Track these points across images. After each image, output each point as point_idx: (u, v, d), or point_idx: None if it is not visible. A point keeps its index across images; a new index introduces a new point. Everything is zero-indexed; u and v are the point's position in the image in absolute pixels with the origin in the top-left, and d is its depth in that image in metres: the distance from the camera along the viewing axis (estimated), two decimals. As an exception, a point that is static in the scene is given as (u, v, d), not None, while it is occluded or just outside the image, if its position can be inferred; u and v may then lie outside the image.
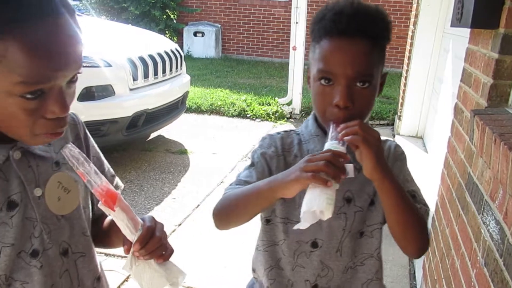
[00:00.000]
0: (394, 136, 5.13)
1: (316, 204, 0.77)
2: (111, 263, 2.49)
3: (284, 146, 1.02)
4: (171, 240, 2.94)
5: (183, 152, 4.36)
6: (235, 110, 5.80)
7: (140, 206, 3.19)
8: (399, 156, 1.02)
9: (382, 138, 1.00)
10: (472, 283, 1.37)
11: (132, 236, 0.83)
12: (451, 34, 4.05)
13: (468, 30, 1.83)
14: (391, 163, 0.98)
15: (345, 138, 0.81)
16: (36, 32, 0.65)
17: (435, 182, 2.14)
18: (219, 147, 4.56)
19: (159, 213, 3.10)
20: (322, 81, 0.89)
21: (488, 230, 1.27)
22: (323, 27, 0.89)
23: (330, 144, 0.84)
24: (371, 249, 1.01)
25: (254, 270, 1.13)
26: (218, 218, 0.99)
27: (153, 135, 4.78)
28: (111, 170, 1.06)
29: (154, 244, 0.85)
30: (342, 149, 0.82)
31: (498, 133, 1.21)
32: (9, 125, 0.72)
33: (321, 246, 0.99)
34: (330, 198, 0.77)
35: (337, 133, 0.84)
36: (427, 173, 3.91)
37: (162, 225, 0.91)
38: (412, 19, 5.16)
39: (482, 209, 1.36)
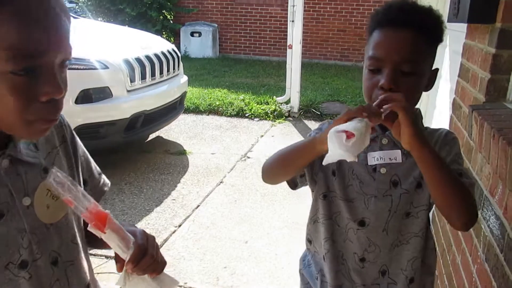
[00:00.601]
0: (393, 133, 5.13)
1: (344, 126, 0.81)
2: (112, 265, 2.49)
3: None
4: (171, 241, 2.93)
5: (182, 153, 4.36)
6: (233, 109, 5.79)
7: (140, 208, 3.18)
8: (450, 141, 1.05)
9: (436, 128, 1.11)
10: (474, 279, 1.37)
11: (124, 255, 0.82)
12: (448, 30, 4.03)
13: (465, 25, 1.83)
14: (439, 147, 1.03)
15: (385, 106, 0.86)
16: (27, 2, 0.64)
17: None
18: (218, 147, 4.55)
19: (158, 214, 3.10)
20: (371, 67, 0.98)
21: (488, 226, 1.27)
22: (375, 20, 1.00)
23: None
24: (417, 229, 1.06)
25: (310, 242, 1.20)
26: (266, 172, 1.11)
27: (151, 136, 4.77)
28: (98, 168, 1.04)
29: (146, 262, 0.84)
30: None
31: (497, 128, 1.21)
32: (0, 115, 0.69)
33: (368, 224, 1.06)
34: (358, 129, 0.81)
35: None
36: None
37: (153, 239, 0.91)
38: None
39: (482, 205, 1.36)
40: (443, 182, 0.89)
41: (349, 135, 0.80)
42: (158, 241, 2.75)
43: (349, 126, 0.82)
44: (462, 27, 1.92)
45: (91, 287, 0.94)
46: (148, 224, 2.96)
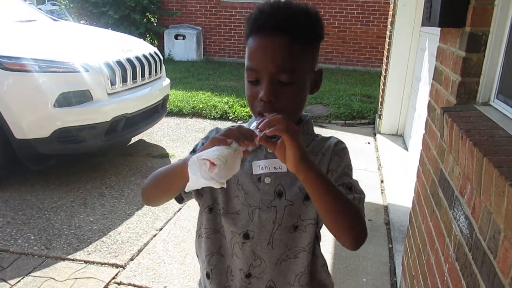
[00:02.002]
0: (375, 135, 5.19)
1: (206, 154, 0.74)
2: (91, 270, 2.46)
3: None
4: (152, 245, 2.91)
5: (164, 156, 4.33)
6: (217, 112, 5.79)
7: (121, 212, 3.15)
8: (339, 151, 1.02)
9: (327, 135, 1.09)
10: (445, 278, 1.39)
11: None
12: (427, 33, 4.11)
13: (439, 29, 1.87)
14: (330, 157, 1.00)
15: (267, 130, 0.79)
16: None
17: (414, 179, 2.17)
18: (201, 150, 4.53)
19: (139, 218, 3.07)
20: (250, 79, 0.93)
21: (458, 225, 1.30)
22: (248, 26, 0.94)
23: (250, 128, 0.84)
24: (304, 243, 1.02)
25: (198, 257, 1.15)
26: (143, 194, 1.04)
27: (134, 139, 4.74)
28: None
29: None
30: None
31: (465, 129, 1.24)
32: None
33: (252, 237, 1.01)
34: (222, 156, 0.74)
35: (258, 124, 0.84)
36: (407, 171, 3.95)
37: None
38: (390, 19, 5.23)
39: (453, 205, 1.38)
40: (330, 204, 0.84)
41: (212, 162, 0.74)
42: (139, 245, 2.74)
43: (211, 153, 0.75)
44: (438, 31, 1.96)
45: None
46: (129, 228, 2.94)
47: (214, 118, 5.71)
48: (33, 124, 3.29)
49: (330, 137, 1.07)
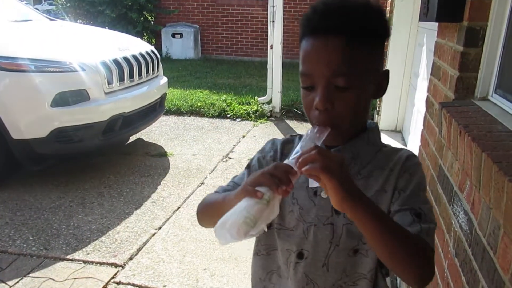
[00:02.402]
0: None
1: (232, 220, 0.69)
2: (90, 270, 2.46)
3: (283, 150, 0.99)
4: (150, 244, 2.90)
5: (163, 154, 4.32)
6: (215, 110, 5.77)
7: (119, 211, 3.14)
8: (410, 167, 0.88)
9: (397, 147, 0.94)
10: (445, 274, 1.39)
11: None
12: (425, 29, 4.10)
13: (437, 24, 1.86)
14: (397, 175, 0.87)
15: (303, 169, 0.71)
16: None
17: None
18: (199, 148, 4.53)
19: (138, 217, 3.06)
20: (304, 85, 0.86)
21: (457, 221, 1.29)
22: (301, 28, 0.87)
23: (288, 161, 0.77)
24: (365, 270, 0.90)
25: (254, 276, 1.03)
26: (198, 217, 1.01)
27: (132, 138, 4.73)
28: None
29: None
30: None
31: (463, 124, 1.23)
32: None
33: (306, 257, 0.91)
34: (250, 217, 0.69)
35: (305, 146, 0.78)
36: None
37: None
38: (387, 15, 5.22)
39: (452, 201, 1.38)
40: (384, 242, 0.74)
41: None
42: (138, 244, 2.73)
43: (238, 216, 0.69)
44: (436, 26, 1.95)
45: None
46: (128, 227, 2.93)
47: (212, 116, 5.69)
48: (30, 124, 3.28)
49: (400, 149, 0.93)
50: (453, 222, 1.34)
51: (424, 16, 1.74)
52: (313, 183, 0.84)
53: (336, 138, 0.85)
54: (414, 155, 0.92)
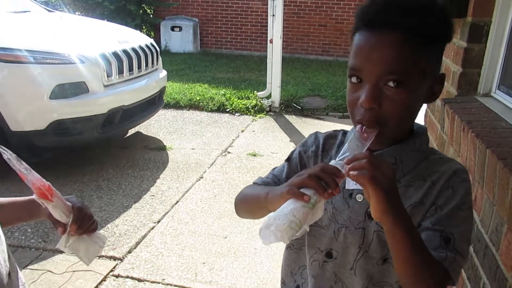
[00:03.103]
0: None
1: (276, 224, 0.69)
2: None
3: (325, 146, 0.97)
4: (149, 238, 2.91)
5: (161, 148, 4.31)
6: (214, 104, 5.76)
7: (118, 204, 3.14)
8: (456, 183, 0.83)
9: (446, 157, 0.89)
10: (445, 270, 1.39)
11: (66, 219, 0.96)
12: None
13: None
14: (439, 190, 0.83)
15: (351, 173, 0.70)
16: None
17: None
18: (198, 142, 4.52)
19: (137, 211, 3.06)
20: (352, 79, 0.81)
21: (459, 217, 1.29)
22: (356, 20, 0.83)
23: (335, 162, 0.75)
24: (393, 279, 0.88)
25: (285, 269, 1.04)
26: (236, 208, 1.02)
27: (131, 132, 4.71)
28: None
29: (87, 222, 1.01)
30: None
31: (467, 121, 1.22)
32: None
33: (335, 258, 0.91)
34: (296, 221, 0.68)
35: (351, 148, 0.77)
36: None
37: (85, 203, 1.07)
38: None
39: (453, 197, 1.37)
40: (410, 265, 0.74)
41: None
42: (137, 237, 2.73)
43: (282, 220, 0.69)
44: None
45: (12, 276, 0.95)
46: (127, 220, 2.93)
47: (211, 111, 5.68)
48: (28, 116, 3.26)
49: (450, 160, 0.88)
50: (454, 219, 1.34)
51: (427, 11, 1.73)
52: (349, 185, 0.86)
53: (380, 141, 0.81)
54: (464, 170, 0.86)
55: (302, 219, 0.69)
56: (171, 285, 2.29)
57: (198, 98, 5.90)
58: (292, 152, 1.00)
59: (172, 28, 10.22)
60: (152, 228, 2.85)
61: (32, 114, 3.26)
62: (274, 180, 0.96)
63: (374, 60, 0.77)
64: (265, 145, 4.44)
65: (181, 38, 10.21)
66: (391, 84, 0.76)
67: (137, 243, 2.67)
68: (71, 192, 3.27)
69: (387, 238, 0.74)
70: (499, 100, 1.38)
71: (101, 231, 2.80)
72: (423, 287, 0.75)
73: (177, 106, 5.80)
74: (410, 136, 0.86)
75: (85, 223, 1.00)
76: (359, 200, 0.87)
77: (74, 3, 9.98)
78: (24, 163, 0.90)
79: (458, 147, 1.29)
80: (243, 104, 5.73)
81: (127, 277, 2.35)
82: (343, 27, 9.78)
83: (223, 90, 6.36)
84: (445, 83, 1.69)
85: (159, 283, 2.30)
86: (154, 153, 4.18)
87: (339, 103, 5.77)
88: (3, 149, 0.87)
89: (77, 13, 9.66)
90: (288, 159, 0.99)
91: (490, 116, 1.26)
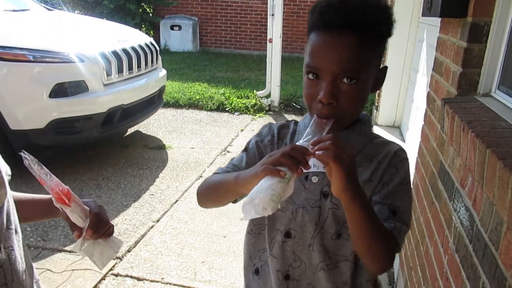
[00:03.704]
0: (372, 126, 5.18)
1: (259, 197, 0.73)
2: (88, 262, 2.45)
3: (279, 135, 1.04)
4: (148, 237, 2.90)
5: (161, 147, 4.31)
6: (213, 104, 5.76)
7: (117, 203, 3.14)
8: (397, 162, 0.94)
9: (389, 139, 1.00)
10: (445, 269, 1.39)
11: (83, 224, 0.98)
12: (425, 24, 4.09)
13: (440, 19, 1.85)
14: (384, 168, 0.93)
15: (317, 153, 0.76)
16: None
17: (412, 170, 2.16)
18: (197, 141, 4.52)
19: (136, 210, 3.06)
20: (310, 76, 0.87)
21: (458, 217, 1.29)
22: (312, 20, 0.87)
23: (301, 143, 0.81)
24: (347, 252, 0.96)
25: (245, 254, 1.11)
26: (198, 199, 1.04)
27: (130, 131, 4.71)
28: None
29: (103, 227, 1.02)
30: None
31: (467, 121, 1.22)
32: None
33: (294, 236, 0.98)
34: (276, 195, 0.74)
35: (313, 132, 0.84)
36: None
37: (103, 207, 1.08)
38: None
39: (453, 196, 1.38)
40: (364, 233, 0.82)
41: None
42: (136, 236, 2.73)
43: (264, 194, 0.73)
44: (437, 22, 1.95)
45: (27, 272, 0.94)
46: (126, 219, 2.93)
47: (211, 110, 5.68)
48: (28, 115, 3.26)
49: (391, 143, 0.99)
50: (454, 218, 1.34)
51: (428, 11, 1.73)
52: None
53: (335, 129, 0.87)
54: (403, 150, 0.96)
55: (281, 192, 0.74)
56: (170, 284, 2.29)
57: (197, 97, 5.90)
58: (249, 143, 1.06)
59: (172, 27, 10.22)
60: (152, 227, 2.85)
61: (32, 113, 3.26)
62: (234, 169, 1.01)
63: (332, 60, 0.83)
64: (264, 145, 4.44)
65: (180, 37, 10.21)
66: (346, 80, 0.84)
67: (137, 242, 2.67)
68: (70, 191, 3.27)
69: (345, 212, 0.81)
70: (499, 100, 1.38)
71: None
72: (377, 254, 0.84)
73: (176, 105, 5.80)
74: (357, 123, 0.96)
75: (101, 228, 1.01)
76: (314, 181, 0.96)
77: (73, 1, 9.98)
78: (44, 167, 0.91)
79: (458, 147, 1.29)
80: (242, 103, 5.74)
81: (127, 276, 2.35)
82: (342, 27, 9.76)
83: (223, 89, 6.36)
84: (445, 83, 1.70)
85: (158, 282, 2.30)
86: (154, 152, 4.18)
87: (338, 103, 5.78)
88: (24, 154, 0.87)
89: (76, 11, 9.65)
90: (246, 149, 1.05)
91: (490, 116, 1.26)
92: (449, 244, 1.36)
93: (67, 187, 0.93)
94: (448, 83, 1.64)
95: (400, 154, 0.95)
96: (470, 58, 1.47)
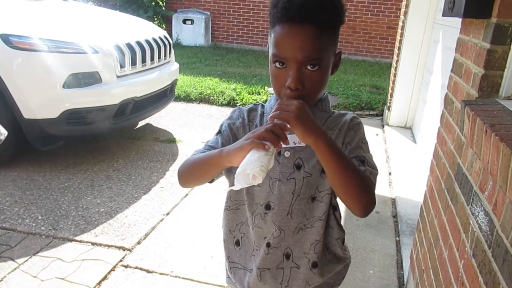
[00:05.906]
0: (383, 127, 5.15)
1: (250, 168, 0.82)
2: (98, 252, 2.47)
3: (249, 117, 1.15)
4: (159, 229, 2.89)
5: (171, 141, 4.32)
6: (224, 99, 5.75)
7: (128, 195, 3.15)
8: (354, 126, 1.08)
9: (342, 112, 1.15)
10: (460, 274, 1.38)
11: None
12: (441, 25, 4.04)
13: (459, 20, 1.82)
14: (345, 132, 1.07)
15: (282, 112, 0.88)
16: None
17: (423, 172, 2.14)
18: (208, 136, 4.49)
19: (146, 202, 3.07)
20: (277, 64, 0.98)
21: (477, 221, 1.27)
22: (275, 14, 0.97)
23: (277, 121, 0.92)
24: (320, 213, 1.10)
25: (224, 230, 1.21)
26: (180, 178, 1.10)
27: (141, 123, 4.72)
28: None
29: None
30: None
31: (489, 123, 1.20)
32: None
33: (273, 208, 1.09)
34: (264, 166, 0.83)
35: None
36: (415, 164, 3.92)
37: None
38: (403, 9, 5.15)
39: (471, 200, 1.36)
40: (340, 171, 0.91)
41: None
42: (145, 229, 2.74)
43: (254, 165, 0.83)
44: (455, 22, 1.92)
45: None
46: (136, 211, 2.94)
47: (222, 105, 5.67)
48: (41, 105, 3.27)
49: (346, 113, 1.13)
50: (471, 222, 1.32)
51: (449, 11, 1.70)
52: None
53: None
54: (356, 117, 1.12)
55: (267, 164, 0.84)
56: (179, 277, 2.30)
57: (208, 92, 5.90)
58: (221, 126, 1.16)
59: (184, 21, 10.22)
60: (162, 220, 2.86)
61: (45, 102, 3.28)
62: (210, 149, 1.08)
63: (297, 50, 0.93)
64: (274, 141, 4.43)
65: (192, 31, 10.21)
66: (310, 67, 0.95)
67: (146, 234, 2.68)
68: (81, 181, 3.29)
69: (318, 156, 0.91)
70: (521, 103, 1.36)
71: (111, 221, 2.81)
72: (356, 191, 0.93)
73: (187, 99, 5.80)
74: (318, 101, 1.09)
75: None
76: (287, 156, 1.07)
77: (87, -7, 9.99)
78: None
79: (479, 150, 1.27)
80: (253, 99, 5.73)
81: (136, 267, 2.36)
82: (355, 25, 9.71)
83: (234, 84, 6.35)
84: (465, 84, 1.67)
85: (167, 275, 2.31)
86: (164, 146, 4.18)
87: (350, 101, 5.74)
88: None
89: (90, 2, 9.67)
90: (220, 132, 1.15)
91: (512, 119, 1.24)
92: (466, 249, 1.35)
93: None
94: (468, 85, 1.62)
95: (354, 120, 1.10)
96: (493, 60, 1.44)
